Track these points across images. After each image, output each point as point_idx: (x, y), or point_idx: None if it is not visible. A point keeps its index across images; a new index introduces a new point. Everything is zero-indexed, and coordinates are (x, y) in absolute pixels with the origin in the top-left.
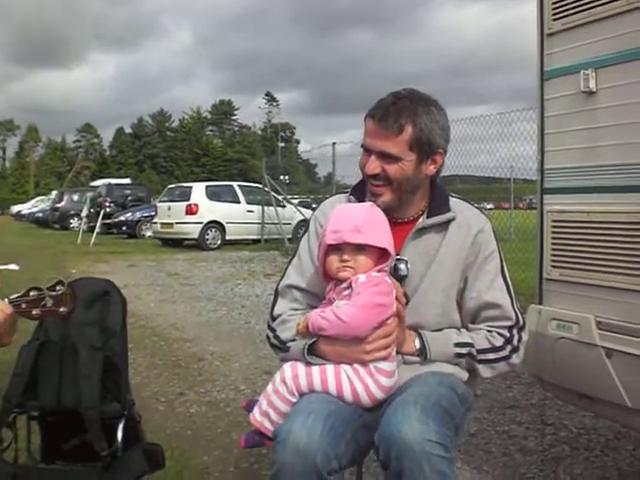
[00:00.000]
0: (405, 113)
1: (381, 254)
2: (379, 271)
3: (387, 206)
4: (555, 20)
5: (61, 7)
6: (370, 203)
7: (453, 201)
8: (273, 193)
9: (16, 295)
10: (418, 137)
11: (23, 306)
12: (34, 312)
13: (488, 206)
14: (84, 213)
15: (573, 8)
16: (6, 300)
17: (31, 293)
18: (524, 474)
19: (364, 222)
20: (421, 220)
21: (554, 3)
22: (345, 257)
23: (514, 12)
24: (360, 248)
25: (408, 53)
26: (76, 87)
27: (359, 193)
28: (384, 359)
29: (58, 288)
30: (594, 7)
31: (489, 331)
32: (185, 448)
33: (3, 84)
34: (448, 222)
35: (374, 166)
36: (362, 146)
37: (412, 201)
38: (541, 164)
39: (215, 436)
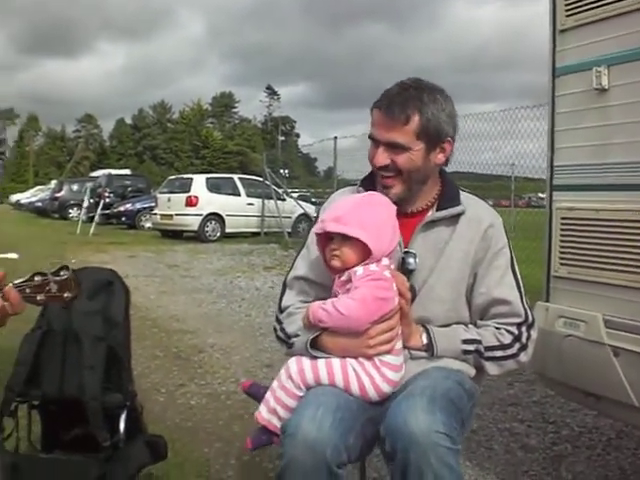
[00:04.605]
0: (411, 102)
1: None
2: (369, 264)
3: (399, 198)
4: (568, 17)
5: None
6: (372, 192)
7: (463, 195)
8: (274, 186)
9: (20, 280)
10: (425, 126)
11: (27, 291)
12: (38, 297)
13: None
14: (85, 204)
15: (586, 5)
16: (11, 284)
17: (35, 278)
18: (526, 471)
19: (346, 212)
20: (431, 213)
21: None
22: (332, 246)
23: (529, 8)
24: (345, 238)
25: (420, 47)
26: (81, 77)
27: (368, 185)
28: (388, 353)
29: (62, 273)
30: (607, 4)
31: (497, 328)
32: (186, 440)
33: (9, 73)
34: (458, 216)
35: (382, 157)
36: (369, 137)
37: (422, 192)
38: (551, 161)
39: (216, 428)
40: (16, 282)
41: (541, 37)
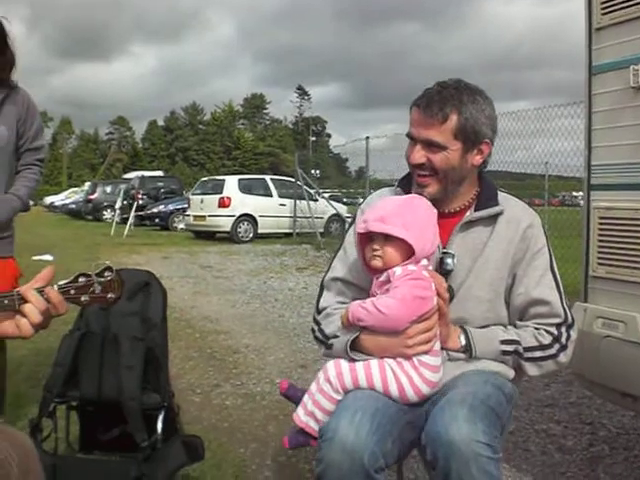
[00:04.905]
0: (450, 101)
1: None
2: (408, 265)
3: (433, 197)
4: (604, 14)
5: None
6: (413, 195)
7: (502, 195)
8: (305, 187)
9: (65, 281)
10: (463, 126)
11: (72, 292)
12: (82, 298)
13: None
14: (118, 205)
15: (622, 2)
16: (55, 286)
17: (79, 279)
18: (563, 473)
19: (390, 212)
20: (469, 213)
21: None
22: (375, 246)
23: (561, 6)
24: (388, 238)
25: (451, 46)
26: (113, 80)
27: (405, 185)
28: (426, 353)
29: (106, 274)
30: None
31: (537, 329)
32: (222, 440)
33: (42, 77)
34: (496, 216)
35: (419, 155)
36: (407, 135)
37: (458, 192)
38: (588, 160)
39: (252, 429)
40: (60, 283)
41: (574, 34)
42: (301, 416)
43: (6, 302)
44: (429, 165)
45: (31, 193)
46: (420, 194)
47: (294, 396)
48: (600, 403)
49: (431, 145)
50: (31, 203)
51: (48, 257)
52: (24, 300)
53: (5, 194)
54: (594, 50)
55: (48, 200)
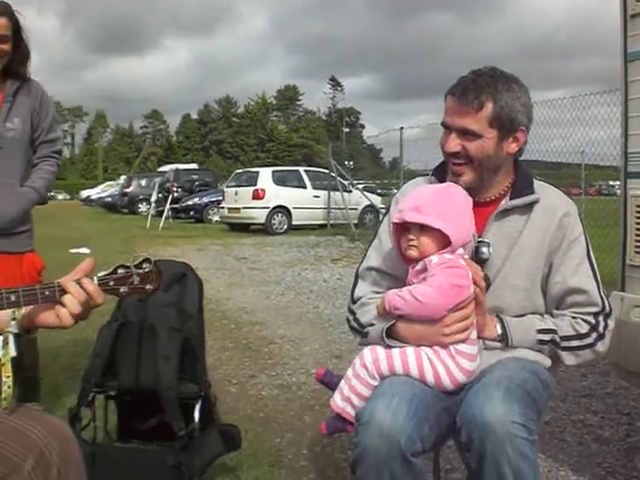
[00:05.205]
0: (485, 89)
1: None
2: (444, 253)
3: (468, 186)
4: (638, 1)
5: None
6: (449, 184)
7: (537, 183)
8: (339, 178)
9: (104, 273)
10: (499, 113)
11: (111, 284)
12: (121, 290)
13: None
14: (153, 198)
15: None
16: (95, 278)
17: (119, 271)
18: (600, 463)
19: (426, 201)
20: (504, 202)
21: None
22: (410, 236)
23: None
24: (423, 228)
25: (485, 35)
26: (147, 74)
27: (440, 174)
28: (463, 342)
29: (145, 266)
30: None
31: (574, 317)
32: (258, 430)
33: (77, 72)
34: (532, 204)
35: (454, 144)
36: (442, 124)
37: (494, 181)
38: (625, 148)
39: (287, 419)
40: (100, 275)
41: (610, 21)
42: (338, 401)
43: (47, 293)
44: (464, 153)
45: (48, 185)
46: (455, 183)
47: (330, 382)
48: (637, 393)
49: (466, 133)
50: (67, 197)
51: (85, 250)
52: (64, 291)
53: (21, 187)
54: (629, 37)
55: (84, 194)
